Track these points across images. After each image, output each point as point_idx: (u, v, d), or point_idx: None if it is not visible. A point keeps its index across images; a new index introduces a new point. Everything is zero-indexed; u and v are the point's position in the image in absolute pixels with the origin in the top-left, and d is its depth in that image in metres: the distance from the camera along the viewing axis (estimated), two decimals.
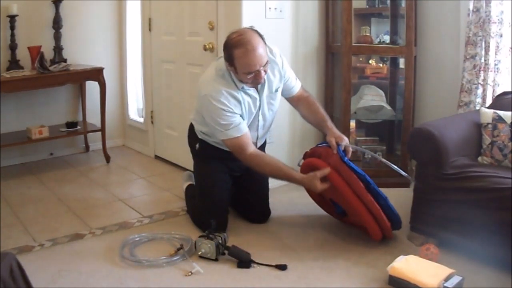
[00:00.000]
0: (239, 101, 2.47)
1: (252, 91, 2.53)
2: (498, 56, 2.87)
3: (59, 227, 2.73)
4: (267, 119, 2.69)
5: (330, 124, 2.62)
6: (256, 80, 2.42)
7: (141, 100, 4.39)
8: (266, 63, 2.40)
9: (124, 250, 2.41)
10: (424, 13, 3.34)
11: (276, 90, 2.64)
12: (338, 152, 2.44)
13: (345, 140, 2.51)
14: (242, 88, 2.48)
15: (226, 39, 2.42)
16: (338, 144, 2.47)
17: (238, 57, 2.34)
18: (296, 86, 2.75)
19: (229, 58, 2.38)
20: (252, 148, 2.49)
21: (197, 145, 2.74)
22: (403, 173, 2.48)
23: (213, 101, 2.42)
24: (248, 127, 2.59)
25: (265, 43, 2.41)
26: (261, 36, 2.40)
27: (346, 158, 2.43)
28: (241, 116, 2.50)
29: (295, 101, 2.78)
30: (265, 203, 2.83)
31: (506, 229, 2.06)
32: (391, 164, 2.49)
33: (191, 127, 2.78)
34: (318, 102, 2.77)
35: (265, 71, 2.43)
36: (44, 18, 3.87)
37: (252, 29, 2.43)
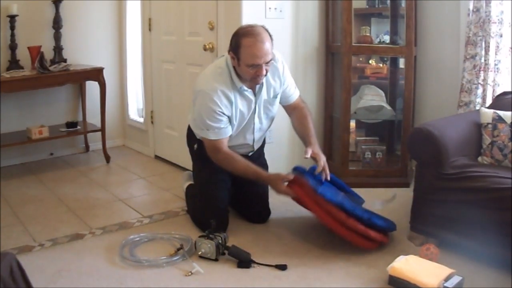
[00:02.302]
0: (231, 102, 2.47)
1: (248, 92, 2.52)
2: (498, 56, 2.87)
3: (59, 227, 2.73)
4: (263, 122, 2.69)
5: (313, 140, 2.58)
6: (256, 78, 2.42)
7: (141, 100, 4.39)
8: (269, 62, 2.40)
9: (124, 250, 2.41)
10: (424, 13, 3.34)
11: (275, 97, 2.64)
12: (311, 185, 2.37)
13: (323, 159, 2.48)
14: (241, 87, 2.48)
15: (236, 30, 2.43)
16: (309, 172, 2.44)
17: (245, 45, 2.34)
18: (294, 95, 2.74)
19: (236, 47, 2.38)
20: (224, 149, 2.51)
21: (195, 146, 2.74)
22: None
23: (206, 98, 2.43)
24: (243, 129, 2.60)
25: (272, 44, 2.42)
26: (270, 35, 2.42)
27: (320, 189, 2.36)
28: (229, 118, 2.50)
29: (291, 109, 2.77)
30: (265, 203, 2.83)
31: (506, 229, 2.06)
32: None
33: (190, 128, 2.78)
34: (311, 116, 2.74)
35: (267, 71, 2.43)
36: (44, 18, 3.87)
37: (263, 27, 2.44)
